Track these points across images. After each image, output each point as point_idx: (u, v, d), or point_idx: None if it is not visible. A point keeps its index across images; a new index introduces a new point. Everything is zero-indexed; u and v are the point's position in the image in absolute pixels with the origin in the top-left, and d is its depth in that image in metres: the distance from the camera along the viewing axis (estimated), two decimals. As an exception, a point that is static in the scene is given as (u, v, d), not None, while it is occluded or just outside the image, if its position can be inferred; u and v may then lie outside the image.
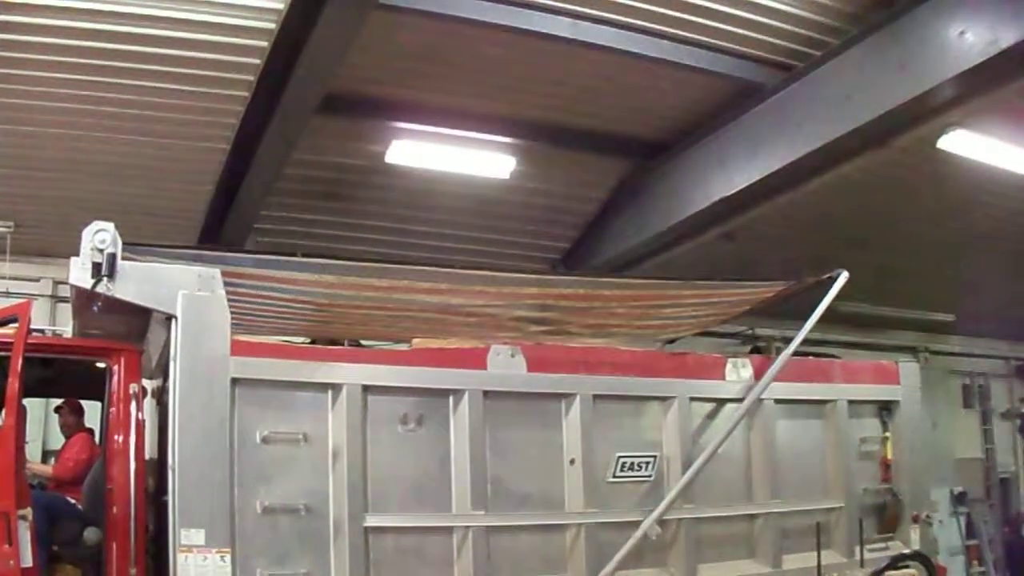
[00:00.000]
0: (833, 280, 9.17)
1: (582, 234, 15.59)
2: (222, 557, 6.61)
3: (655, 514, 8.31)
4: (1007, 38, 9.07)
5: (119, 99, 10.60)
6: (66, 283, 7.35)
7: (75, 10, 9.26)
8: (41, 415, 11.82)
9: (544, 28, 10.44)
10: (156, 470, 8.00)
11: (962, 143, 12.41)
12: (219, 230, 13.22)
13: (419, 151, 12.74)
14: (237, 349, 7.00)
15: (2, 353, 7.29)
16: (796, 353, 9.11)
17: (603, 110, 12.82)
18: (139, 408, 7.97)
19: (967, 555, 21.38)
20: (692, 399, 8.95)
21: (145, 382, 8.31)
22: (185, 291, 6.82)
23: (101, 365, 8.20)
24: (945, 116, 10.93)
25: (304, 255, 7.71)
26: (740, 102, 12.21)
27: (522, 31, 10.43)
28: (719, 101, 12.45)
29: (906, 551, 9.97)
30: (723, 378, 9.25)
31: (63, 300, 13.34)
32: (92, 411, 9.38)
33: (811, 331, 9.04)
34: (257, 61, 9.97)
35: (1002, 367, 24.30)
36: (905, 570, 9.76)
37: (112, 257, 6.64)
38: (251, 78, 10.23)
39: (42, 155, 11.70)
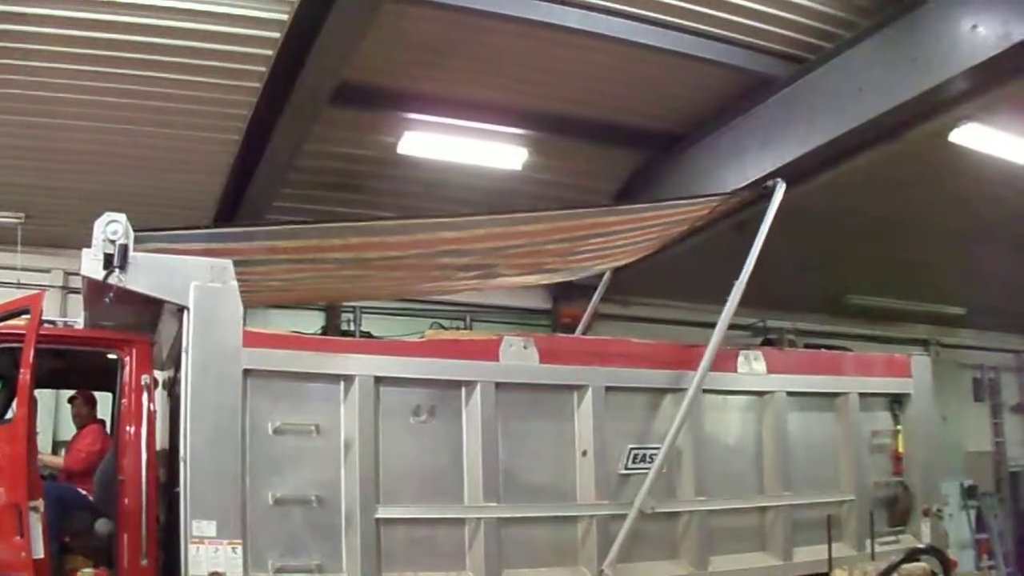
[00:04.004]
0: (770, 191, 9.07)
1: (594, 226, 15.49)
2: (233, 548, 6.64)
3: (646, 485, 8.28)
4: (1020, 31, 9.03)
5: (130, 90, 10.58)
6: (77, 274, 7.37)
7: (86, 0, 9.27)
8: (51, 405, 11.85)
9: (556, 19, 10.40)
10: (167, 461, 8.01)
11: (974, 136, 12.38)
12: (231, 221, 13.17)
13: (431, 142, 12.74)
14: (249, 340, 7.03)
15: (14, 344, 7.34)
16: (809, 345, 9.05)
17: (615, 102, 12.79)
18: (151, 399, 7.99)
19: (977, 549, 21.36)
20: (704, 391, 8.91)
21: (157, 373, 8.33)
22: (197, 282, 6.85)
23: (112, 356, 8.21)
24: (957, 109, 10.89)
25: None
26: (752, 94, 12.18)
27: (534, 22, 10.40)
28: (731, 93, 12.41)
29: (921, 545, 9.91)
30: (735, 370, 9.24)
31: (74, 291, 13.39)
32: (103, 402, 9.40)
33: (824, 324, 9.00)
34: (269, 52, 9.96)
35: (1013, 361, 24.37)
36: (917, 563, 9.73)
37: (124, 248, 6.67)
38: (263, 69, 10.23)
39: (53, 146, 11.71)
